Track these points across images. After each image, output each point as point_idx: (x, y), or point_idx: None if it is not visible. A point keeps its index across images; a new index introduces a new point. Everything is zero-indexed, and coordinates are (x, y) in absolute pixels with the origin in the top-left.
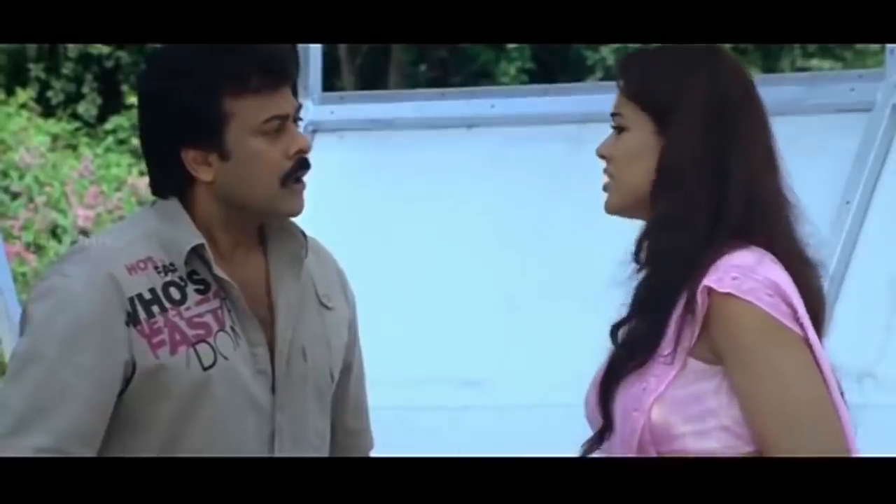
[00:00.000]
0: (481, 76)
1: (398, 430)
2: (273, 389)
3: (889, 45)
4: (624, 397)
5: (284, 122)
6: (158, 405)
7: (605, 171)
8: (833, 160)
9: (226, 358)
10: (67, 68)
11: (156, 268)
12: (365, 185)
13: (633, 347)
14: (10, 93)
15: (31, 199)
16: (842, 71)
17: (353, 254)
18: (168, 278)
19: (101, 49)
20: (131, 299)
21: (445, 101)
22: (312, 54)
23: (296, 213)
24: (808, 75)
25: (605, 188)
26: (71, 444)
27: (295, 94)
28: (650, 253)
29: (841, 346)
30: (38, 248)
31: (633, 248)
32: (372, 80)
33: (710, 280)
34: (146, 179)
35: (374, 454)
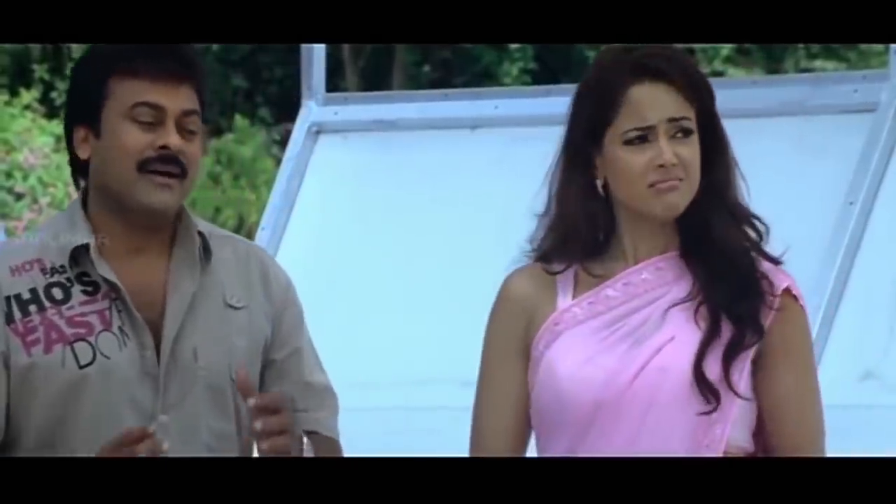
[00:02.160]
0: (484, 77)
1: (400, 431)
2: (156, 389)
3: (893, 46)
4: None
5: (161, 116)
6: (30, 405)
7: (676, 174)
8: (837, 161)
9: (107, 357)
10: (71, 69)
11: (42, 269)
12: (368, 186)
13: (747, 328)
14: (14, 94)
15: (34, 200)
16: (846, 72)
17: (356, 254)
18: (53, 279)
19: None
20: (7, 298)
21: (449, 102)
22: (316, 55)
23: (156, 207)
24: (812, 76)
25: (675, 189)
26: None
27: (202, 105)
28: (733, 245)
29: (845, 347)
30: None
31: (712, 239)
32: (375, 80)
33: (787, 281)
34: None
35: (375, 454)
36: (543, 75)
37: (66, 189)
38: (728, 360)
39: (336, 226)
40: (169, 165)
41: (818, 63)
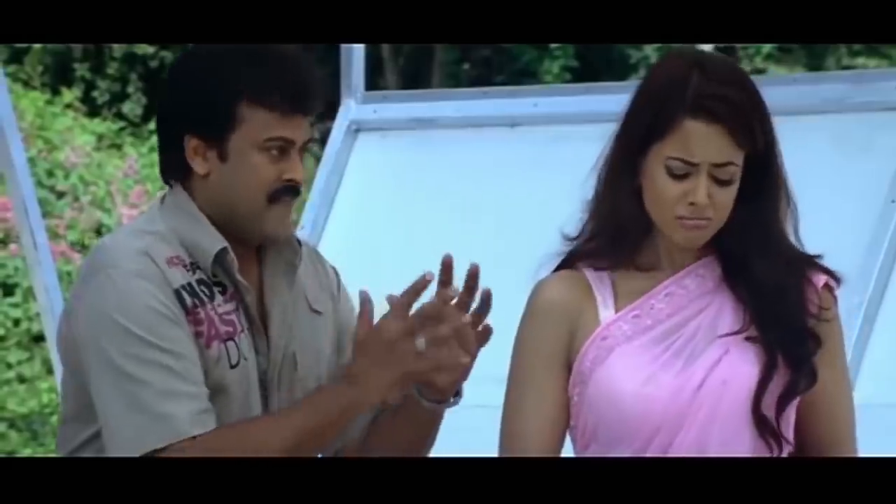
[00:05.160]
0: (524, 75)
1: (441, 429)
2: (264, 398)
3: None
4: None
5: (289, 148)
6: None
7: (705, 214)
8: (879, 159)
9: (245, 359)
10: (112, 68)
11: (184, 265)
12: (407, 184)
13: (802, 375)
14: (56, 93)
15: (76, 199)
16: (887, 69)
17: (394, 251)
18: (196, 276)
19: (145, 49)
20: (177, 290)
21: (488, 100)
22: (356, 54)
23: (280, 237)
24: (854, 73)
25: (699, 228)
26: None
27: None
28: (778, 283)
29: (886, 346)
30: (83, 248)
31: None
32: (415, 79)
33: (824, 278)
34: None
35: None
36: (584, 73)
37: (107, 188)
38: (781, 406)
39: (375, 223)
40: (291, 195)
41: (860, 61)
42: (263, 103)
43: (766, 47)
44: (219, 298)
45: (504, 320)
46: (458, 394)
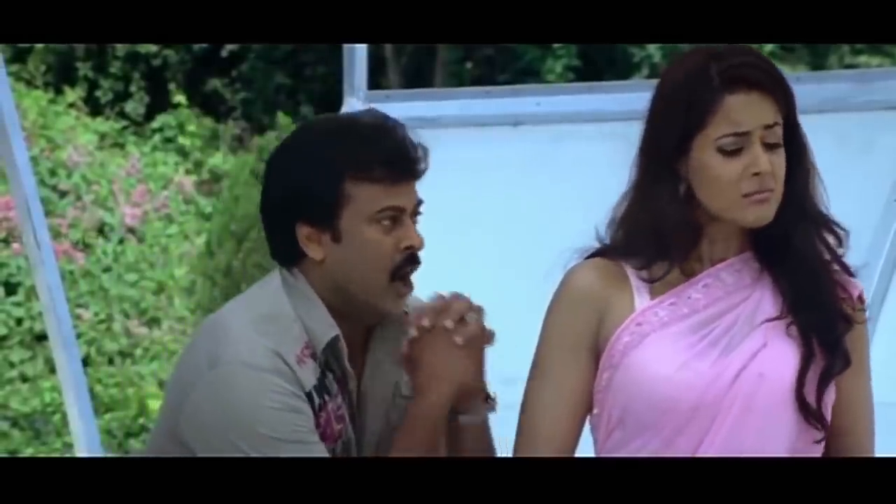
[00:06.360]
0: (527, 74)
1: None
2: None
3: None
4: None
5: (401, 215)
6: None
7: (769, 185)
8: (881, 158)
9: (349, 453)
10: (115, 67)
11: (313, 356)
12: None
13: (837, 358)
14: (59, 92)
15: (78, 198)
16: (890, 68)
17: None
18: (321, 367)
19: (148, 48)
20: (308, 393)
21: (491, 99)
22: (358, 53)
23: (396, 314)
24: (856, 72)
25: (766, 201)
26: None
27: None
28: (815, 259)
29: (888, 346)
30: (86, 247)
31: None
32: (417, 78)
33: (859, 289)
34: (192, 178)
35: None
36: (587, 72)
37: (109, 186)
38: (821, 390)
39: None
40: (413, 265)
41: (862, 59)
42: (367, 177)
43: (769, 45)
44: (334, 390)
45: (506, 319)
46: (488, 397)
